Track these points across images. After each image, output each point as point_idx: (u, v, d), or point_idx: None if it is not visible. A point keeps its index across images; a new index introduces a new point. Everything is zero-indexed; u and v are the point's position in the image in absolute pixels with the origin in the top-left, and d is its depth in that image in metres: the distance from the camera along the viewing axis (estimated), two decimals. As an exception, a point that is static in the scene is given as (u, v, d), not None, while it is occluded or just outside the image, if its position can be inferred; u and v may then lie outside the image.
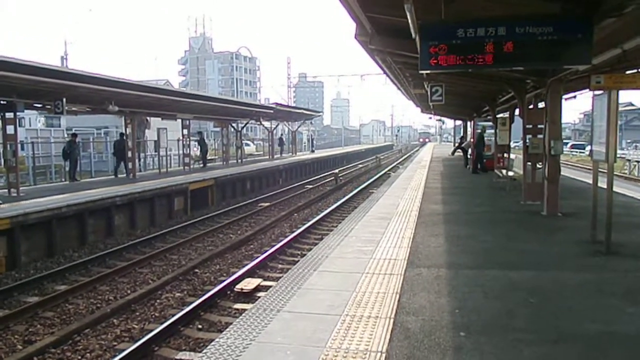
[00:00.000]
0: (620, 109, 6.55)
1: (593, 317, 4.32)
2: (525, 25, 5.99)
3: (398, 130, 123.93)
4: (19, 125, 15.17)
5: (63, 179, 20.43)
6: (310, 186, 24.53)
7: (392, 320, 4.23)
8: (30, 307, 7.87)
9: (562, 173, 10.14)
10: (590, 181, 8.15)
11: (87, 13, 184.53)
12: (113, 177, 19.61)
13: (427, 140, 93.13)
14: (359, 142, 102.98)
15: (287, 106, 36.73)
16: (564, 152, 18.21)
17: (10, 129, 13.35)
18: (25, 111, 16.30)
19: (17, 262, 10.39)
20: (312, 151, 46.24)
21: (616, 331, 4.02)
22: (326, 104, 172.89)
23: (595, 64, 7.32)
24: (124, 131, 19.72)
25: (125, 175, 19.48)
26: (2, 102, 12.98)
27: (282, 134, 43.97)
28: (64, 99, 13.65)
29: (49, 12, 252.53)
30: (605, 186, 6.71)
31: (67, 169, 19.15)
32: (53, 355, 6.35)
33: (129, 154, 19.32)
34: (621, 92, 6.55)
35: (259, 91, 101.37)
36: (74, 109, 16.38)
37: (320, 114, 67.98)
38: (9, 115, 13.31)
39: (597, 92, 6.84)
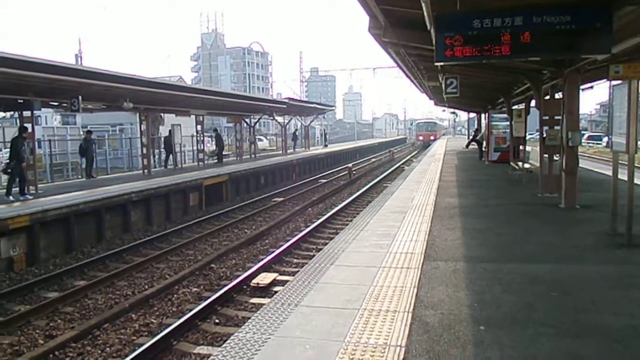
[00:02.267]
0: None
1: (615, 310, 4.25)
2: (542, 15, 5.91)
3: (411, 124, 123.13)
4: (36, 124, 15.31)
5: (79, 176, 20.67)
6: (324, 180, 24.53)
7: (410, 314, 4.21)
8: (51, 302, 7.99)
9: (579, 165, 10.00)
10: (609, 173, 8.02)
11: (102, 11, 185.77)
12: (163, 168, 22.51)
13: (432, 137, 55.94)
14: (372, 136, 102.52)
15: (300, 101, 36.69)
16: (581, 143, 18.02)
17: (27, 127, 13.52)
18: (42, 109, 16.50)
19: (36, 258, 10.55)
20: (325, 145, 46.19)
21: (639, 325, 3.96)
22: (338, 98, 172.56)
23: (614, 53, 7.18)
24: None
25: (173, 166, 22.32)
26: (19, 100, 13.16)
27: (295, 129, 43.96)
28: (80, 97, 13.77)
29: (64, 10, 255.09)
30: (624, 178, 6.60)
31: (83, 166, 19.41)
32: (74, 350, 6.44)
33: (144, 149, 19.49)
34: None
35: (271, 86, 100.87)
36: (89, 106, 16.57)
37: (333, 108, 67.88)
38: (26, 113, 13.52)
39: (615, 82, 6.72)
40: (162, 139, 23.44)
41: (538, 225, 8.04)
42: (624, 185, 6.53)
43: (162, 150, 23.91)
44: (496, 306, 4.39)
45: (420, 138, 57.54)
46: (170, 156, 22.74)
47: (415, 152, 48.33)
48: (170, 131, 22.57)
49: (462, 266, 5.63)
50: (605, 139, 43.82)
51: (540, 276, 5.23)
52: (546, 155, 10.90)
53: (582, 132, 44.69)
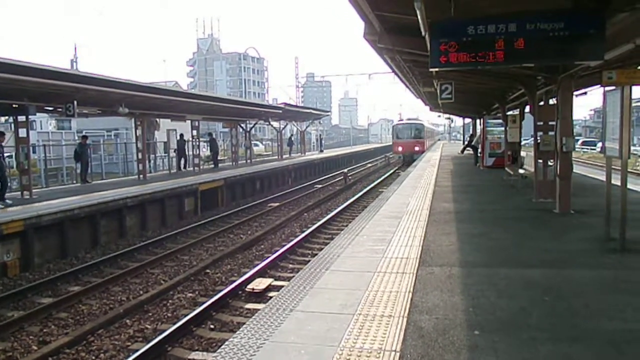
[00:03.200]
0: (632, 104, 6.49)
1: (609, 314, 4.27)
2: (536, 22, 5.95)
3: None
4: (31, 129, 15.28)
5: (74, 181, 20.61)
6: (320, 186, 24.54)
7: (405, 319, 4.22)
8: (45, 308, 7.95)
9: (573, 170, 10.05)
10: (602, 178, 8.07)
11: (97, 16, 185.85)
12: (176, 170, 23.26)
13: (416, 147, 36.13)
14: (368, 141, 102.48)
15: (296, 106, 36.76)
16: (575, 149, 18.14)
17: (22, 132, 13.48)
18: (37, 114, 16.46)
19: (30, 263, 10.49)
20: (321, 151, 46.24)
21: (633, 329, 3.98)
22: (334, 103, 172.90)
23: (607, 60, 7.24)
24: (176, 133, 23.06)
25: (187, 169, 23.30)
26: (14, 105, 13.12)
27: (291, 134, 44.00)
28: (75, 102, 13.75)
29: (59, 15, 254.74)
30: (617, 183, 6.64)
31: (78, 171, 19.36)
32: (67, 356, 6.41)
33: (140, 154, 19.48)
34: (633, 88, 6.47)
35: (267, 91, 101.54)
36: (84, 111, 16.52)
37: (329, 113, 67.72)
38: (21, 118, 13.47)
39: (609, 88, 6.77)
40: (176, 143, 24.12)
41: (532, 230, 8.08)
42: (618, 190, 6.57)
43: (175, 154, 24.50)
44: (491, 311, 4.40)
45: (399, 149, 36.60)
46: (182, 160, 23.69)
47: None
48: (181, 135, 23.36)
49: (457, 271, 5.64)
50: (600, 144, 44.06)
51: (534, 281, 5.25)
52: (540, 161, 10.95)
53: (576, 137, 45.02)
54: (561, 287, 5.06)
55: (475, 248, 6.82)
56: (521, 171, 14.03)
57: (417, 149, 35.68)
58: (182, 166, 23.77)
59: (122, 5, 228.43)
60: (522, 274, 5.55)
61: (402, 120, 42.55)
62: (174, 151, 23.93)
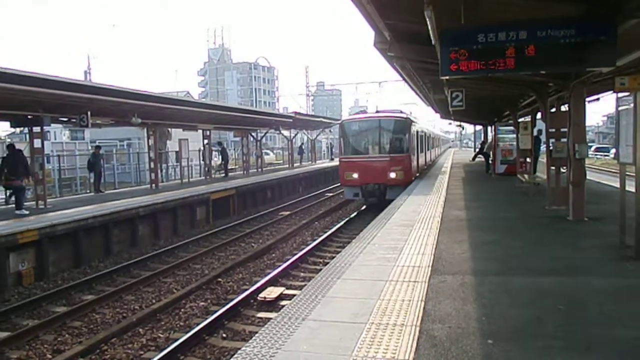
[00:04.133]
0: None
1: (625, 323, 4.22)
2: (546, 29, 5.94)
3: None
4: (45, 139, 15.48)
5: (88, 191, 20.82)
6: (331, 194, 24.52)
7: (418, 328, 4.20)
8: (59, 317, 8.02)
9: (587, 177, 9.95)
10: (617, 185, 7.97)
11: (110, 28, 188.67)
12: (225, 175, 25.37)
13: (391, 172, 16.20)
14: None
15: (306, 115, 36.80)
16: (588, 156, 17.69)
17: (37, 143, 13.67)
18: (51, 125, 16.66)
19: (45, 272, 10.60)
20: (332, 159, 46.21)
21: (649, 338, 3.93)
22: (344, 111, 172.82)
23: (619, 66, 7.19)
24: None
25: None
26: (29, 116, 13.31)
27: (301, 143, 44.03)
28: (89, 112, 13.91)
29: (74, 28, 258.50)
30: (632, 189, 6.57)
31: (91, 180, 19.57)
32: (81, 365, 6.45)
33: (152, 164, 19.65)
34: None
35: (277, 100, 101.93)
36: (98, 121, 16.70)
37: (339, 121, 67.45)
38: (36, 129, 13.66)
39: (621, 94, 6.73)
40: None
41: (546, 238, 8.01)
42: (632, 197, 6.49)
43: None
44: (504, 319, 4.37)
45: (354, 176, 16.99)
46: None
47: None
48: (219, 143, 24.95)
49: (470, 279, 5.61)
50: (613, 150, 43.55)
51: (548, 289, 5.21)
52: (553, 168, 10.86)
53: (590, 144, 44.50)
54: (575, 295, 5.01)
55: (487, 256, 6.77)
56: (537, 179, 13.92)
57: (393, 175, 16.95)
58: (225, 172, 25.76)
59: (134, 16, 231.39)
60: (535, 282, 5.51)
61: (364, 112, 21.54)
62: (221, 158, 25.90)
